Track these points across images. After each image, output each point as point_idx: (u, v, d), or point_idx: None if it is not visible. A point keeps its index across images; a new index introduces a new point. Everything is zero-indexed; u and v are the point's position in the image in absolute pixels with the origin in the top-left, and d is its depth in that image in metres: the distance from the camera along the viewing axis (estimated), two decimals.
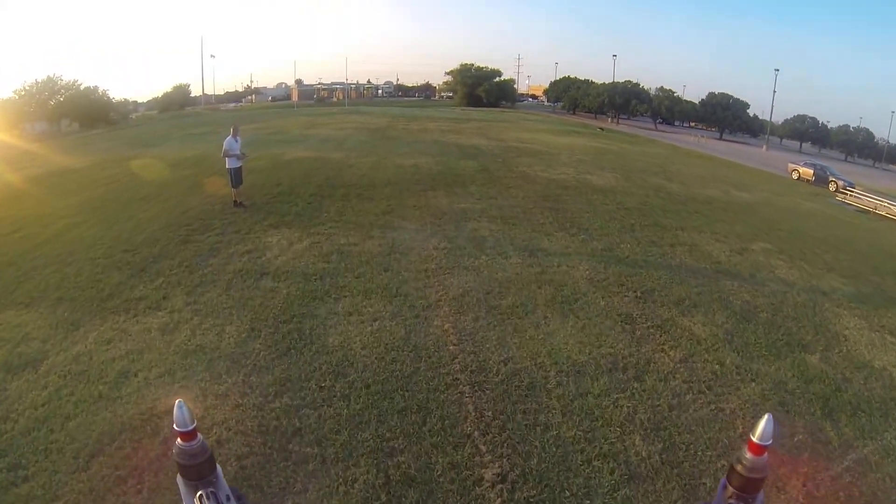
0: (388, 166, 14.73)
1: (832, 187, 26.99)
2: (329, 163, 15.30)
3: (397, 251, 7.83)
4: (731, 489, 1.27)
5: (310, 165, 14.86)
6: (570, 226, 9.95)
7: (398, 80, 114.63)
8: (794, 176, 30.32)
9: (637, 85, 68.98)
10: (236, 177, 10.32)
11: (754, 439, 1.25)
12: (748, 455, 1.25)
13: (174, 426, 1.29)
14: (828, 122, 73.13)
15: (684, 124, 75.28)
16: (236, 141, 10.29)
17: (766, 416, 1.27)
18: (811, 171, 29.70)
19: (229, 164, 10.28)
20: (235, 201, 10.41)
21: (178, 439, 1.30)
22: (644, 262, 8.14)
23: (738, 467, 1.25)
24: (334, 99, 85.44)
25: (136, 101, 79.69)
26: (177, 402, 1.30)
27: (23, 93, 44.99)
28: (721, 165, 30.84)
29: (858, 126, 72.22)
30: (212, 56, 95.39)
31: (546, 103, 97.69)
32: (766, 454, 1.26)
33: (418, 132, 26.27)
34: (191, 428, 1.29)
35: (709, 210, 13.21)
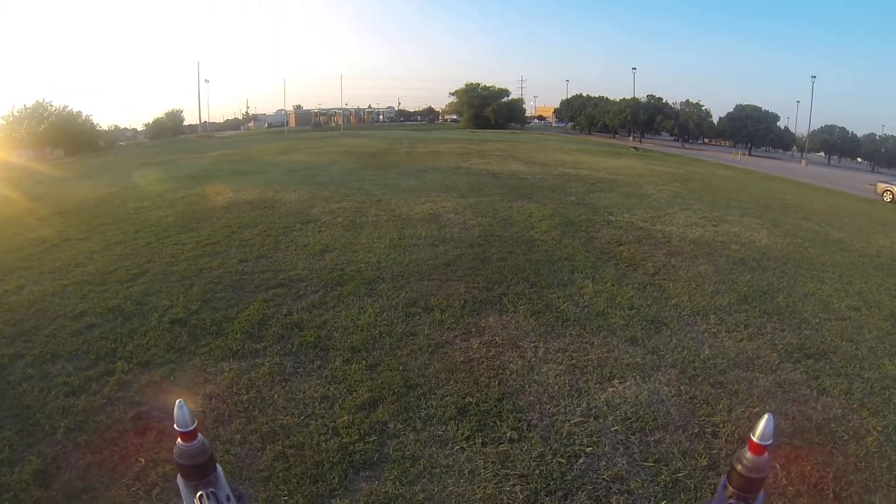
0: (385, 221, 7.66)
1: None
2: (274, 213, 8.34)
3: None
4: (731, 489, 1.14)
5: (240, 220, 7.96)
6: None
7: (400, 104, 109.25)
8: (888, 198, 24.52)
9: (661, 100, 62.80)
10: None
11: (754, 439, 1.10)
12: (748, 455, 1.11)
13: (175, 426, 1.13)
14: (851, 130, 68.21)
15: (700, 141, 69.29)
16: None
17: (766, 416, 1.11)
18: None
19: None
20: None
21: (179, 439, 1.15)
22: None
23: (739, 467, 1.12)
24: (332, 124, 79.80)
25: (134, 129, 76.53)
26: (177, 402, 1.15)
27: (11, 118, 42.67)
28: (810, 191, 24.74)
29: (884, 134, 67.07)
30: (206, 81, 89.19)
31: (554, 124, 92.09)
32: (766, 454, 1.11)
33: (427, 156, 19.41)
34: (191, 428, 1.14)
35: None
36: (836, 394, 3.59)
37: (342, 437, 2.69)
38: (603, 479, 2.52)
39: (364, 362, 3.49)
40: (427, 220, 7.71)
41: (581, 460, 2.64)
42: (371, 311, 4.31)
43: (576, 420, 2.95)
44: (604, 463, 2.62)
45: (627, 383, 3.30)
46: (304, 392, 3.13)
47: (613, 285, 5.23)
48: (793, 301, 5.46)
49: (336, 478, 2.43)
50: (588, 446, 2.73)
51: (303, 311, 4.35)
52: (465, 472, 2.56)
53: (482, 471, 2.57)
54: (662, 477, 2.50)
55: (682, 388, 3.31)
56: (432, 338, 3.89)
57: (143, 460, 2.63)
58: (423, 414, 2.97)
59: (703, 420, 2.98)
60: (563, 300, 4.71)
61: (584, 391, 3.23)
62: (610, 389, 3.24)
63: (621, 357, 3.66)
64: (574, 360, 3.60)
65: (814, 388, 3.63)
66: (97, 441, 2.81)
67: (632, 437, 2.80)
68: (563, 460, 2.63)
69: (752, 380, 3.58)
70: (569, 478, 2.52)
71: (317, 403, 3.00)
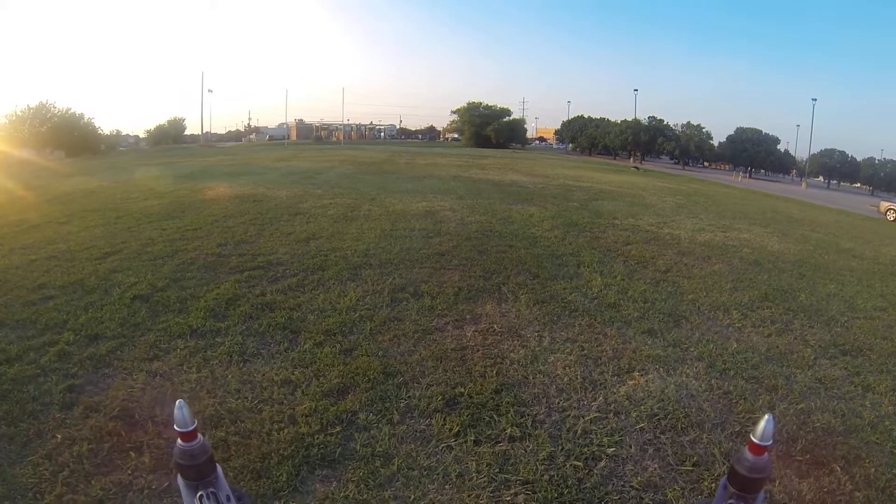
0: (378, 215, 7.24)
1: None
2: (263, 206, 7.94)
3: None
4: (731, 489, 1.17)
5: (226, 210, 7.61)
6: None
7: (401, 122, 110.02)
8: (891, 217, 24.94)
9: (662, 121, 63.12)
10: None
11: (755, 440, 1.13)
12: (749, 455, 1.14)
13: (174, 426, 1.14)
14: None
15: (700, 164, 69.47)
16: None
17: (766, 417, 1.14)
18: None
19: None
20: None
21: (179, 440, 1.16)
22: None
23: (739, 468, 1.15)
24: (333, 139, 79.88)
25: (136, 135, 77.12)
26: (177, 402, 1.16)
27: (14, 118, 42.84)
28: (813, 208, 24.63)
29: (883, 158, 67.30)
30: (209, 91, 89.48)
31: (555, 145, 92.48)
32: (766, 454, 1.14)
33: (426, 166, 19.11)
34: (191, 428, 1.15)
35: None
36: (882, 391, 3.12)
37: (300, 427, 2.18)
38: (631, 486, 2.01)
39: (338, 346, 2.99)
40: (422, 216, 7.27)
41: (602, 464, 2.12)
42: (352, 296, 3.82)
43: (591, 416, 2.44)
44: (630, 467, 2.11)
45: (650, 376, 2.80)
46: (263, 374, 2.62)
47: (624, 279, 4.76)
48: (816, 300, 5.03)
49: (284, 475, 1.91)
50: (609, 447, 2.21)
51: (277, 292, 3.86)
52: (452, 475, 2.04)
53: (474, 475, 2.05)
54: (706, 484, 1.99)
55: (713, 382, 2.81)
56: (420, 324, 3.39)
57: (58, 437, 2.14)
58: (402, 405, 2.45)
59: (744, 417, 2.48)
60: (569, 291, 4.23)
61: (600, 384, 2.72)
62: (630, 382, 2.73)
63: (640, 348, 3.16)
64: (585, 351, 3.10)
65: (857, 385, 3.16)
66: (17, 412, 2.34)
67: (661, 436, 2.29)
68: (580, 463, 2.12)
69: (790, 375, 3.09)
70: (587, 485, 2.00)
71: (276, 388, 2.49)
